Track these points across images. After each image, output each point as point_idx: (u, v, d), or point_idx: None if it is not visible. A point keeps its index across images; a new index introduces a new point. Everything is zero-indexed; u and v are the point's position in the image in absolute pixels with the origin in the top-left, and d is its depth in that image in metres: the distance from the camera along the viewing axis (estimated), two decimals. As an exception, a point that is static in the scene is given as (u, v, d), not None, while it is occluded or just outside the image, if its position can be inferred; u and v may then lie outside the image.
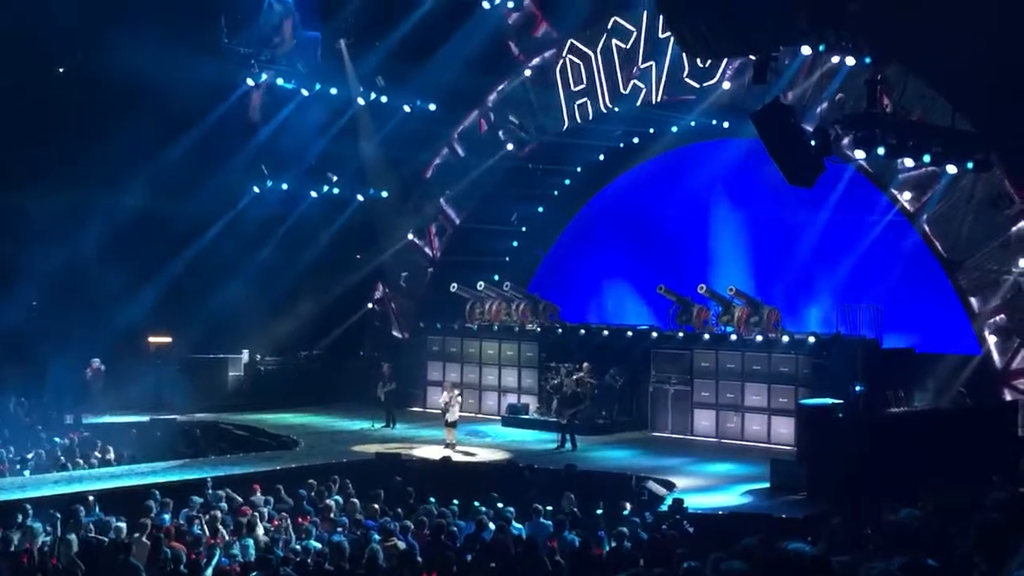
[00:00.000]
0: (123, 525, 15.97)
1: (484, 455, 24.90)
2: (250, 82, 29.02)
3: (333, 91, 30.16)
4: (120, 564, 13.75)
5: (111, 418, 28.58)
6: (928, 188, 23.62)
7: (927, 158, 20.13)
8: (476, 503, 18.05)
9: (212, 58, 28.24)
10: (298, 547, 15.05)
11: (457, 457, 24.22)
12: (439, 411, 26.42)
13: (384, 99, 30.50)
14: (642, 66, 27.61)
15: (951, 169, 21.21)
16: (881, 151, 19.40)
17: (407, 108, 30.83)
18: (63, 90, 29.75)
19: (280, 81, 29.47)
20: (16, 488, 20.10)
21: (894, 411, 22.24)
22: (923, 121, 21.64)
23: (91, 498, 18.02)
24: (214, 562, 14.00)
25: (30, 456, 23.03)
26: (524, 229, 33.91)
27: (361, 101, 30.72)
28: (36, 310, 29.42)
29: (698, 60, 24.84)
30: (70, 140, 28.66)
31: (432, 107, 31.06)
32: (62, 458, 23.19)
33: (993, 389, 23.10)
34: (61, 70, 30.55)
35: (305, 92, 29.94)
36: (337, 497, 18.76)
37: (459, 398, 26.26)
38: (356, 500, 18.33)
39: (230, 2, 29.09)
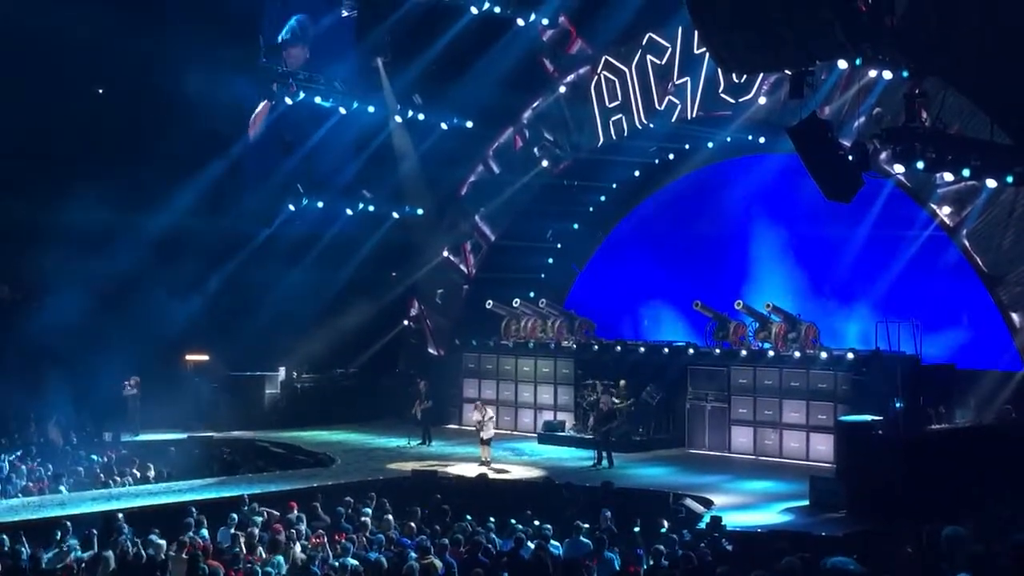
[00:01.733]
0: (162, 542, 16.03)
1: (521, 472, 24.83)
2: (288, 101, 29.19)
3: (371, 109, 30.31)
4: (157, 581, 13.79)
5: (149, 435, 28.75)
6: (968, 202, 23.39)
7: (966, 172, 19.91)
8: (513, 520, 17.96)
9: (250, 77, 28.50)
10: (335, 564, 15.03)
11: (493, 474, 24.17)
12: (474, 428, 26.40)
13: (421, 117, 30.58)
14: (677, 82, 27.53)
15: (991, 183, 20.97)
16: (920, 165, 19.20)
17: (444, 126, 30.91)
18: (103, 108, 30.06)
19: (318, 100, 29.64)
20: (55, 505, 20.23)
21: (935, 428, 22.01)
22: (962, 135, 21.43)
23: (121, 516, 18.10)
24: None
25: (64, 475, 23.12)
26: (559, 246, 33.87)
27: (398, 119, 30.84)
28: (74, 327, 29.61)
29: (733, 75, 24.71)
30: (110, 157, 28.93)
31: (469, 124, 31.13)
32: (101, 475, 23.34)
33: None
34: (100, 91, 30.87)
35: (343, 110, 30.11)
36: (372, 513, 18.73)
37: (492, 416, 26.19)
38: (391, 517, 18.30)
39: (268, 22, 29.34)
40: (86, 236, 28.00)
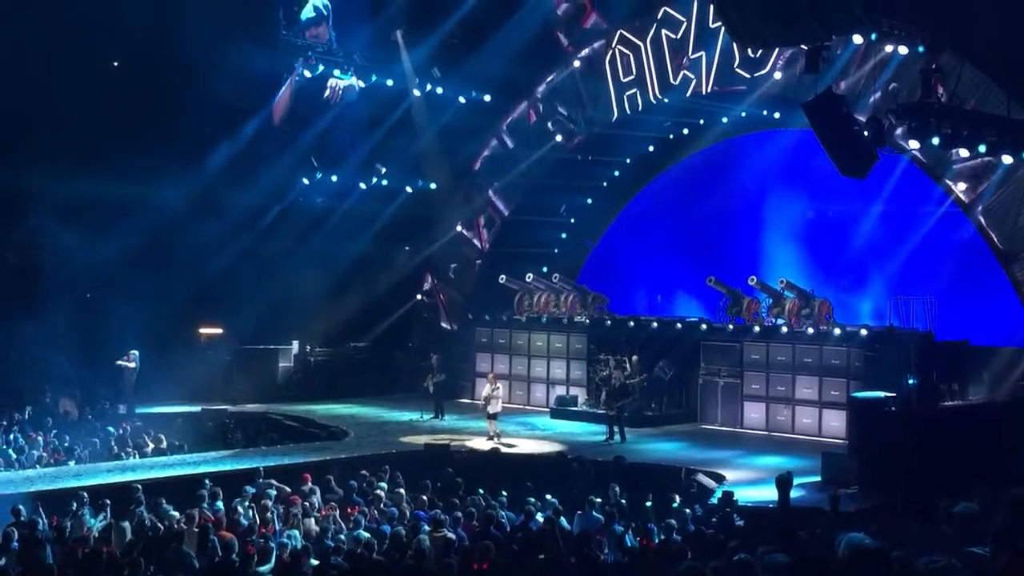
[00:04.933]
0: (176, 514, 16.16)
1: (533, 447, 24.89)
2: (307, 74, 29.15)
3: (389, 83, 30.24)
4: (172, 552, 13.90)
5: (162, 408, 28.87)
6: (983, 179, 23.27)
7: (982, 148, 19.80)
8: (525, 495, 18.04)
9: (269, 50, 28.48)
10: (347, 536, 15.14)
11: (505, 449, 24.25)
12: (482, 403, 26.45)
13: (440, 90, 30.49)
14: (692, 56, 27.41)
15: (1007, 159, 20.85)
16: (936, 141, 19.10)
17: (462, 99, 30.80)
18: (120, 81, 30.06)
19: (337, 73, 29.59)
20: (71, 476, 20.39)
21: (948, 404, 21.96)
22: (978, 110, 21.30)
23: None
24: (273, 555, 14.05)
25: (78, 447, 23.25)
26: (573, 221, 33.83)
27: (417, 92, 30.78)
28: (88, 300, 29.76)
29: (749, 50, 24.62)
30: (125, 130, 28.93)
31: (487, 98, 31.03)
32: (115, 447, 23.49)
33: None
34: (116, 64, 30.86)
35: (362, 84, 30.08)
36: (385, 486, 18.84)
37: (499, 390, 26.18)
38: (403, 491, 18.40)
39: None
40: (101, 208, 28.04)
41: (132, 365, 28.52)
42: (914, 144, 20.35)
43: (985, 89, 21.81)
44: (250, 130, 30.69)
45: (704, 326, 28.47)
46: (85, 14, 27.78)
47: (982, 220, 23.59)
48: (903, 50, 19.94)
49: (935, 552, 6.99)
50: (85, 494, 17.41)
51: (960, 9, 19.22)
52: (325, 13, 30.58)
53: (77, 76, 28.74)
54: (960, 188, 23.74)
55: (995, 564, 6.80)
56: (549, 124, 31.18)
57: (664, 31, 27.96)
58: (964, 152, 20.80)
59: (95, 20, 27.96)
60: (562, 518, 16.27)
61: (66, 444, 23.44)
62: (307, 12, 30.36)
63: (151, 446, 23.82)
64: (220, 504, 17.13)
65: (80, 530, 15.93)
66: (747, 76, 26.50)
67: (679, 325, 28.97)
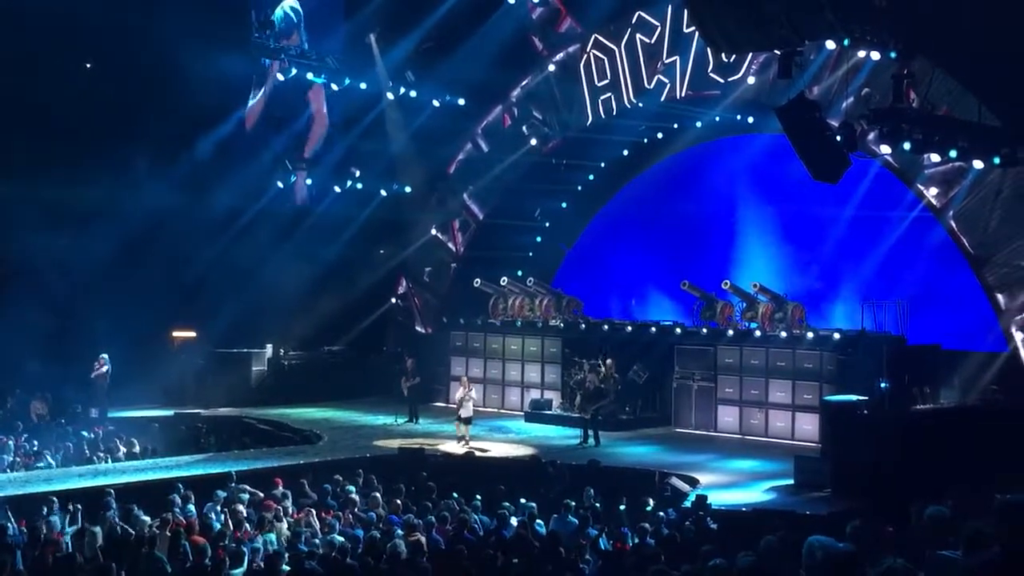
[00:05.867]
0: (148, 518, 16.06)
1: (507, 451, 24.88)
2: (279, 76, 29.07)
3: (363, 86, 30.17)
4: (144, 557, 13.81)
5: (135, 412, 28.70)
6: (955, 183, 23.42)
7: (954, 153, 19.94)
8: (499, 499, 18.03)
9: (241, 53, 28.37)
10: (321, 541, 15.08)
11: (480, 452, 24.23)
12: (455, 406, 26.40)
13: (413, 93, 30.44)
14: (666, 61, 27.49)
15: (978, 164, 21.00)
16: (907, 146, 19.23)
17: (436, 103, 30.74)
18: (92, 84, 29.87)
19: (310, 75, 29.52)
20: (42, 481, 20.23)
21: (920, 408, 22.10)
22: (950, 116, 21.46)
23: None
24: (245, 560, 13.98)
25: (47, 451, 23.05)
26: (547, 224, 33.86)
27: (390, 95, 30.72)
28: (61, 303, 29.54)
29: (722, 55, 24.70)
30: (99, 133, 28.75)
31: (461, 102, 30.98)
32: (87, 451, 23.34)
33: (1020, 386, 22.88)
34: (89, 65, 30.67)
35: (335, 87, 30.01)
36: (359, 490, 18.78)
37: (472, 393, 26.16)
38: (378, 495, 18.36)
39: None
40: (73, 212, 27.87)
41: (104, 369, 28.33)
42: (886, 149, 20.41)
43: (957, 95, 21.98)
44: (224, 133, 30.56)
45: (678, 330, 28.53)
46: (57, 15, 27.57)
47: (953, 225, 23.74)
48: (875, 56, 20.05)
49: (902, 555, 7.03)
50: (56, 499, 17.28)
51: (932, 15, 19.36)
52: (296, 19, 30.49)
53: (49, 77, 28.53)
54: (932, 193, 23.88)
55: (968, 565, 6.84)
56: (524, 128, 31.19)
57: (639, 35, 28.02)
58: (935, 157, 20.96)
59: (68, 21, 27.77)
60: (538, 521, 16.27)
61: (35, 448, 23.24)
62: (277, 14, 30.25)
63: (123, 450, 23.67)
64: (192, 508, 17.04)
65: (51, 535, 15.80)
66: (721, 81, 26.59)
67: (653, 329, 29.03)
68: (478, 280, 31.76)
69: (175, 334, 32.18)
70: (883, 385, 22.49)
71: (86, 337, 27.97)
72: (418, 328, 34.18)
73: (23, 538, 15.24)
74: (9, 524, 15.79)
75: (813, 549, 6.62)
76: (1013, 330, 23.20)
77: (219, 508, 16.97)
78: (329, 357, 33.84)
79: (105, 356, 28.28)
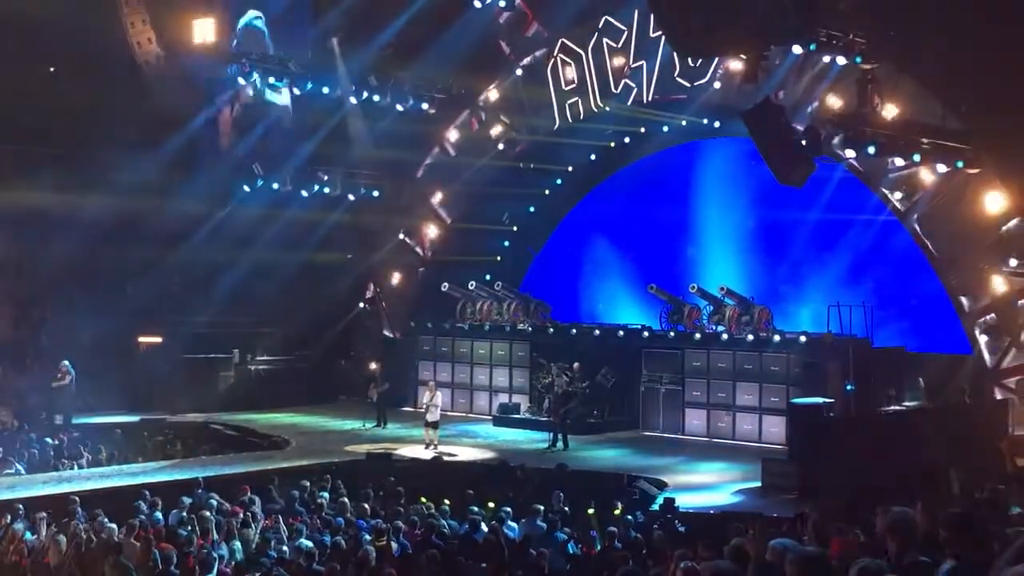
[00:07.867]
0: (114, 526, 15.92)
1: (475, 455, 24.86)
2: (241, 81, 28.95)
3: (325, 90, 30.04)
4: (111, 564, 13.70)
5: (100, 418, 28.44)
6: (918, 187, 23.62)
7: (917, 157, 20.17)
8: (468, 503, 18.01)
9: (206, 57, 28.21)
10: (289, 547, 15.01)
11: (448, 457, 24.19)
12: (423, 410, 26.32)
13: (376, 98, 30.37)
14: (633, 65, 27.58)
15: (941, 168, 21.24)
16: (871, 150, 19.45)
17: (400, 107, 30.65)
18: (54, 90, 29.60)
19: (272, 80, 29.39)
20: (6, 488, 20.01)
21: (885, 410, 22.25)
22: (913, 120, 21.65)
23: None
24: (215, 567, 13.90)
25: (12, 457, 22.82)
26: (515, 229, 33.86)
27: (353, 100, 30.63)
28: (26, 308, 29.29)
29: (689, 59, 24.84)
30: (62, 137, 28.51)
31: (425, 106, 30.90)
32: (52, 458, 23.12)
33: (984, 388, 23.12)
34: (52, 69, 30.42)
35: (297, 91, 29.89)
36: (327, 496, 18.73)
37: (438, 398, 26.08)
38: (347, 500, 18.30)
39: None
40: (37, 217, 27.63)
41: (67, 380, 27.82)
42: (850, 153, 20.63)
43: (920, 99, 22.18)
44: (189, 137, 30.35)
45: (646, 333, 28.59)
46: (19, 18, 27.35)
47: (917, 228, 23.94)
48: (841, 61, 20.25)
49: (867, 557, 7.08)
50: (21, 506, 17.10)
51: (896, 21, 19.56)
52: (259, 26, 30.41)
53: (13, 82, 28.27)
54: (896, 197, 24.07)
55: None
56: (491, 132, 31.21)
57: (605, 40, 28.10)
58: (899, 161, 21.17)
59: (31, 25, 27.56)
60: (509, 522, 16.25)
61: (0, 455, 23.01)
62: (243, 22, 30.16)
63: (88, 457, 23.46)
64: (159, 515, 16.91)
65: (15, 543, 15.64)
66: (688, 85, 26.71)
67: (621, 333, 29.08)
68: (446, 284, 31.72)
69: (141, 339, 31.90)
70: (849, 387, 22.66)
71: (51, 343, 27.70)
72: (386, 333, 34.08)
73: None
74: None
75: (781, 552, 6.66)
76: (976, 332, 23.42)
77: (186, 515, 16.85)
78: (297, 362, 33.66)
79: (67, 363, 27.72)
